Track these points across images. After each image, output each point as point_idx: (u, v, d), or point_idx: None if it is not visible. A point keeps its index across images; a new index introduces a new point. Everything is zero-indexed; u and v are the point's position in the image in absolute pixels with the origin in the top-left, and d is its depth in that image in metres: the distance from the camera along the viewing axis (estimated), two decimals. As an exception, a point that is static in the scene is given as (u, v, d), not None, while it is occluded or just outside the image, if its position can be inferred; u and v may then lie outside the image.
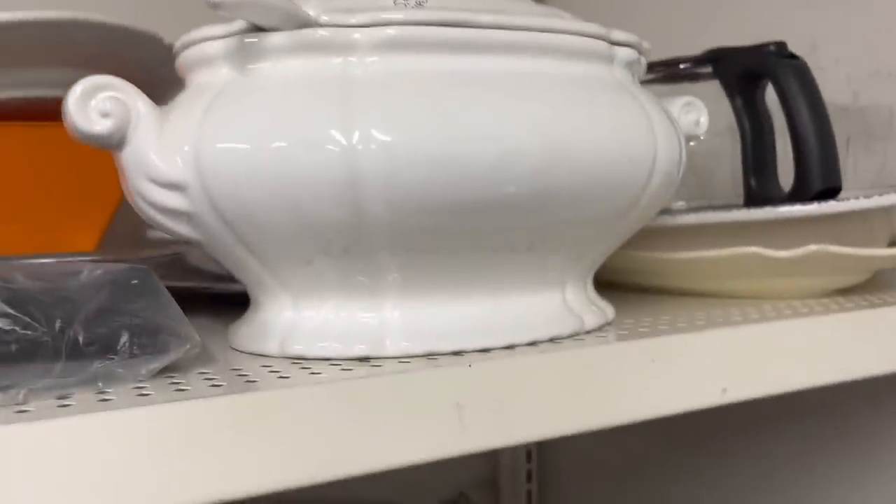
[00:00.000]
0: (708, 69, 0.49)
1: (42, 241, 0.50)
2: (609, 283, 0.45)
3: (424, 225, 0.29)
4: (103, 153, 0.31)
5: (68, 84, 0.49)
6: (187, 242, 0.31)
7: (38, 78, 0.46)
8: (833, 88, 0.56)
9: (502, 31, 0.29)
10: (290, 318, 0.31)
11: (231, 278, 0.39)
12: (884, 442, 0.54)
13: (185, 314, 0.29)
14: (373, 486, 0.73)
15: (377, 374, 0.27)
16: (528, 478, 0.81)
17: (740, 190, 0.51)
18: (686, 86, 0.52)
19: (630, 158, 0.31)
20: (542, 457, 0.81)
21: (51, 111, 0.48)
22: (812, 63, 0.55)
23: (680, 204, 0.55)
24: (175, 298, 0.29)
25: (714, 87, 0.52)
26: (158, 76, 0.49)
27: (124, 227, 0.55)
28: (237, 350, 0.32)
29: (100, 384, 0.26)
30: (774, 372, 0.34)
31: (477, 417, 0.28)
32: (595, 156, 0.30)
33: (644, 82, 0.52)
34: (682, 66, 0.50)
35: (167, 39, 0.48)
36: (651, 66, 0.51)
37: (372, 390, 0.27)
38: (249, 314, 0.33)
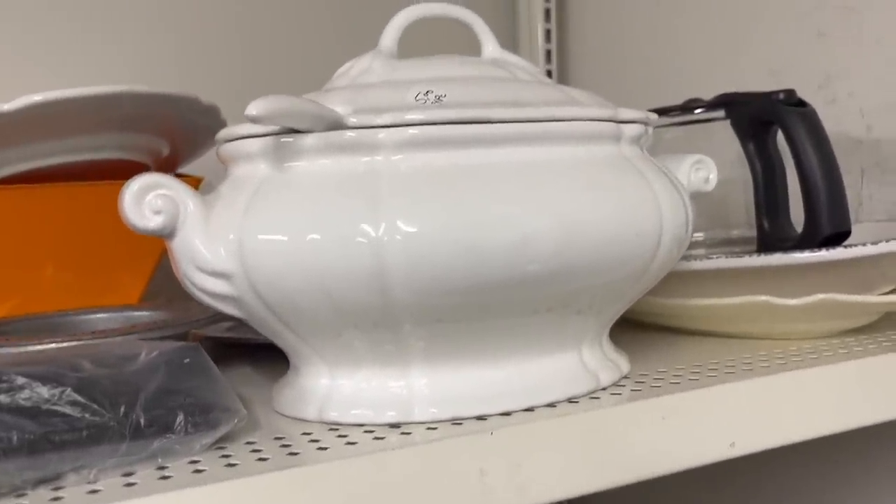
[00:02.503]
0: (721, 113, 0.51)
1: (92, 288, 0.54)
2: (627, 322, 0.48)
3: (447, 304, 0.31)
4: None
5: (114, 147, 0.53)
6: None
7: (87, 143, 0.50)
8: (847, 121, 0.57)
9: (516, 125, 0.31)
10: (326, 385, 0.34)
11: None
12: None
13: (227, 361, 0.31)
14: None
15: (407, 445, 0.30)
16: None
17: (753, 218, 0.52)
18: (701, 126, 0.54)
19: (637, 232, 0.33)
20: None
21: (98, 170, 0.52)
22: (825, 97, 0.57)
23: (698, 235, 0.57)
24: (218, 345, 0.32)
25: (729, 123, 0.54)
26: (197, 126, 0.52)
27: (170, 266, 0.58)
28: (279, 412, 0.35)
29: (159, 460, 0.29)
30: (780, 424, 0.36)
31: (499, 482, 0.30)
32: (605, 234, 0.32)
33: (660, 126, 0.54)
34: (696, 111, 0.52)
35: (204, 93, 0.52)
36: (667, 111, 0.54)
37: (401, 460, 0.29)
38: (290, 378, 0.36)
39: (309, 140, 0.31)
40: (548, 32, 0.78)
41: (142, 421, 0.29)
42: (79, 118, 0.47)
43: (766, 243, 0.49)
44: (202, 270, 0.32)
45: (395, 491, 0.29)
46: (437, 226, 0.30)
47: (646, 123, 0.36)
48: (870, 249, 0.43)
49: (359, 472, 0.29)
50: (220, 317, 0.47)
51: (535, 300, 0.33)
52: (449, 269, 0.30)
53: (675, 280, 0.46)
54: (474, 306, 0.32)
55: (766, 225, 0.49)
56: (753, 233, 0.53)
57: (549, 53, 0.78)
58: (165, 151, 0.54)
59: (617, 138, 0.35)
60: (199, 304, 0.38)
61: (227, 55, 0.69)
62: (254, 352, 0.47)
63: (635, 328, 0.48)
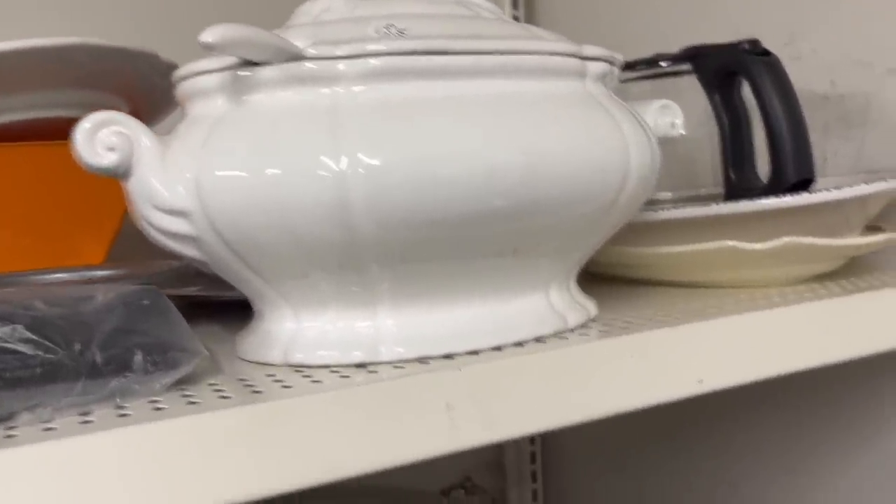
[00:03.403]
0: (687, 66, 0.51)
1: (53, 253, 0.53)
2: (595, 276, 0.48)
3: (413, 239, 0.31)
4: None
5: (72, 104, 0.51)
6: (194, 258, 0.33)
7: (42, 100, 0.48)
8: (811, 78, 0.58)
9: (477, 56, 0.31)
10: (292, 328, 0.33)
11: (234, 287, 0.41)
12: (870, 423, 0.56)
13: (193, 321, 0.31)
14: (378, 472, 0.76)
15: (372, 381, 0.29)
16: (533, 459, 0.84)
17: (720, 178, 0.52)
18: (669, 80, 0.54)
19: (604, 167, 0.33)
20: (546, 438, 0.83)
21: (56, 130, 0.50)
22: (790, 53, 0.57)
23: (666, 195, 0.57)
24: (183, 305, 0.31)
25: (694, 80, 0.54)
26: (156, 85, 0.51)
27: (134, 232, 0.57)
28: (243, 359, 0.35)
29: (118, 400, 0.28)
30: (747, 362, 0.36)
31: (466, 417, 0.30)
32: (572, 167, 0.32)
33: (627, 81, 0.54)
34: (662, 63, 0.52)
35: (165, 54, 0.50)
36: (633, 65, 0.53)
37: (367, 397, 0.29)
38: (254, 324, 0.36)
39: (267, 73, 0.30)
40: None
41: (98, 359, 0.28)
42: (31, 72, 0.46)
43: (733, 194, 0.49)
44: (159, 209, 0.31)
45: (361, 425, 0.28)
46: (400, 158, 0.29)
47: (610, 62, 0.36)
48: (834, 194, 0.43)
49: (324, 407, 0.28)
50: (183, 271, 0.47)
51: (501, 239, 0.33)
52: (413, 203, 0.30)
53: (642, 230, 0.45)
54: (440, 244, 0.32)
55: (732, 176, 0.50)
56: (721, 191, 0.53)
57: (515, 2, 0.76)
58: (125, 111, 0.53)
59: (581, 75, 0.34)
60: (161, 262, 0.37)
61: (187, 12, 0.67)
62: (221, 310, 0.46)
63: (602, 282, 0.48)
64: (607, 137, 0.33)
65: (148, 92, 0.53)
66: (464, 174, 0.30)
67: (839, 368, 0.57)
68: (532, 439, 0.83)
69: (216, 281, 0.48)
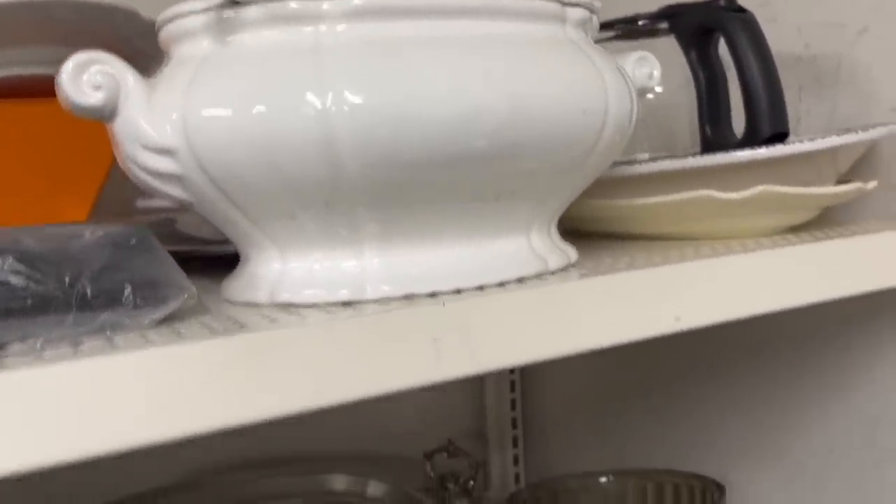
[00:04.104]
0: (664, 25, 0.52)
1: (35, 213, 0.53)
2: (575, 232, 0.48)
3: (397, 179, 0.31)
4: (89, 127, 0.34)
5: (50, 62, 0.51)
6: (180, 208, 0.34)
7: (20, 57, 0.48)
8: (785, 39, 0.59)
9: (461, -4, 0.31)
10: (278, 269, 0.34)
11: (220, 242, 0.42)
12: (842, 378, 0.58)
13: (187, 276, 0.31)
14: (362, 438, 0.77)
15: (359, 315, 0.30)
16: (514, 425, 0.85)
17: (698, 143, 0.53)
18: (645, 41, 0.55)
19: (584, 111, 0.34)
20: (526, 404, 0.85)
21: (35, 88, 0.50)
22: (764, 15, 0.58)
23: (644, 156, 0.58)
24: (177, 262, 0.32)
25: (672, 44, 0.55)
26: (138, 49, 0.51)
27: (113, 200, 0.57)
28: (230, 301, 0.35)
29: (108, 333, 0.29)
30: (723, 302, 0.37)
31: (451, 349, 0.31)
32: (552, 109, 0.33)
33: (605, 40, 0.55)
34: (640, 22, 0.53)
35: (146, 13, 0.50)
36: (611, 24, 0.54)
37: (355, 328, 0.30)
38: (240, 268, 0.36)
39: (252, 12, 0.31)
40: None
41: (88, 292, 0.28)
42: (9, 27, 0.45)
43: (709, 149, 0.50)
44: (147, 148, 0.31)
45: (348, 355, 0.29)
46: (384, 96, 0.30)
47: (590, 10, 0.37)
48: (807, 145, 0.44)
49: (310, 338, 0.29)
50: (169, 227, 0.47)
51: (483, 181, 0.33)
52: (397, 141, 0.30)
53: (620, 184, 0.46)
54: (424, 185, 0.32)
55: (708, 132, 0.51)
56: (698, 150, 0.54)
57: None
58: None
59: (562, 19, 0.35)
60: (145, 220, 0.37)
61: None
62: (210, 265, 0.46)
63: (581, 236, 0.49)
64: (588, 82, 0.34)
65: (130, 55, 0.53)
66: (448, 114, 0.31)
67: (811, 325, 0.58)
68: (513, 405, 0.84)
69: (199, 241, 0.49)
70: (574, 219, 0.44)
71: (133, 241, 0.31)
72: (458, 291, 0.33)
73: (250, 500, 0.67)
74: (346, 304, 0.32)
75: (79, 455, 0.25)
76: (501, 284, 0.34)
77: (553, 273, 0.37)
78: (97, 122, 0.32)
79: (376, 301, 0.32)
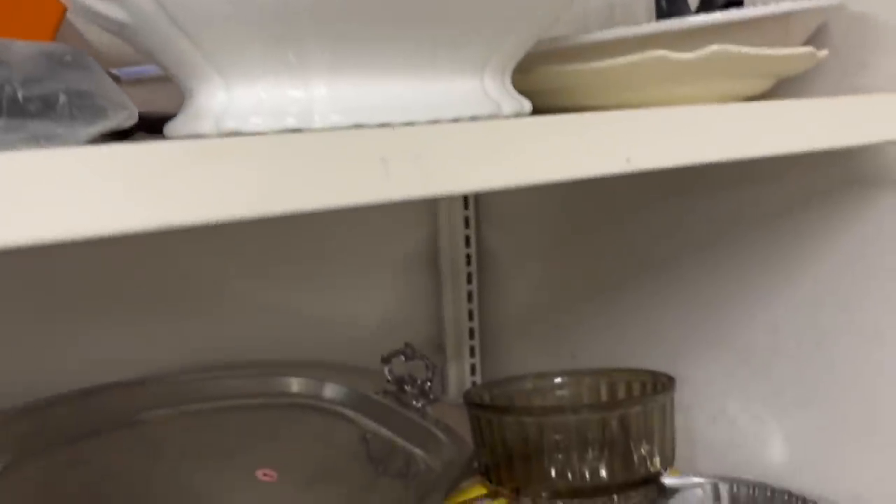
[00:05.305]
0: None
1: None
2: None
3: (347, 5, 0.30)
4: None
5: None
6: (122, 28, 0.32)
7: None
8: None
9: None
10: (224, 99, 0.33)
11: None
12: (787, 262, 0.59)
13: None
14: (319, 348, 0.76)
15: (308, 133, 0.29)
16: (471, 335, 0.85)
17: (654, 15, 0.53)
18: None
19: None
20: (483, 315, 0.85)
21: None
22: None
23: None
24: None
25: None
26: None
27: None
28: (172, 138, 0.34)
29: (41, 143, 0.28)
30: (672, 146, 0.37)
31: (400, 170, 0.30)
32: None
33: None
34: None
35: None
36: None
37: (303, 143, 0.29)
38: (183, 106, 0.35)
39: None
40: None
41: (19, 95, 0.27)
42: None
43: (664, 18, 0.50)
44: (82, -40, 0.30)
45: (297, 170, 0.28)
46: None
47: None
48: (760, 10, 0.44)
49: (259, 149, 0.28)
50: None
51: (433, 21, 0.33)
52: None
53: (574, 53, 0.46)
54: (373, 12, 0.31)
55: (663, 3, 0.50)
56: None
57: None
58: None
59: None
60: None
61: None
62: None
63: (535, 114, 0.49)
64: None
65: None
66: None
67: (756, 214, 0.59)
68: (471, 315, 0.85)
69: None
70: (528, 92, 0.44)
71: (68, 58, 0.30)
72: (411, 124, 0.33)
73: (203, 400, 0.66)
74: (294, 131, 0.32)
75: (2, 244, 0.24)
76: (455, 120, 0.34)
77: (507, 117, 0.36)
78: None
79: (325, 130, 0.32)
